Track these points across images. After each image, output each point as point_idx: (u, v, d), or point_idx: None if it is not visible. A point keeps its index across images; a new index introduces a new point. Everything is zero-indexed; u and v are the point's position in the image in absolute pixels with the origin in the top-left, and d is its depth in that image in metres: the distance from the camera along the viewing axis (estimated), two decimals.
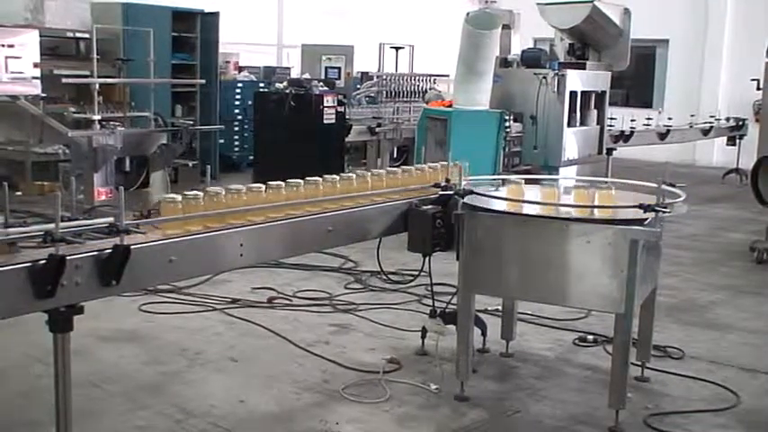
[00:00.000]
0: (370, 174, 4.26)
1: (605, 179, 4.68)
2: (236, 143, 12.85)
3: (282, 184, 3.74)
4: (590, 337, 5.30)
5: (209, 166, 3.95)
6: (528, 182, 4.69)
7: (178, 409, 4.12)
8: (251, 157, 11.70)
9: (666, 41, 16.75)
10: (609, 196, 4.25)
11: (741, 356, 5.17)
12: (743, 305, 6.43)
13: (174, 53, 11.23)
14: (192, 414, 4.07)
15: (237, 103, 12.76)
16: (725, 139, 13.76)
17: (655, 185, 3.96)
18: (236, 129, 12.80)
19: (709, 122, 13.14)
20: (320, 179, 3.94)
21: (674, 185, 4.27)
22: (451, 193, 4.26)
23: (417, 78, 11.80)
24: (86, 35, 9.69)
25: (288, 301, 6.00)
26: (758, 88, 8.48)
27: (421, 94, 11.38)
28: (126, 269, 2.93)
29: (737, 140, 13.44)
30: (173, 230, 3.26)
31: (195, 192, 3.38)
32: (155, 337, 5.18)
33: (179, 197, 3.32)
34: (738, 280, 7.23)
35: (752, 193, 8.04)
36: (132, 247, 2.96)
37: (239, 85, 12.89)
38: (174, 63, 11.24)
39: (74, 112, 9.05)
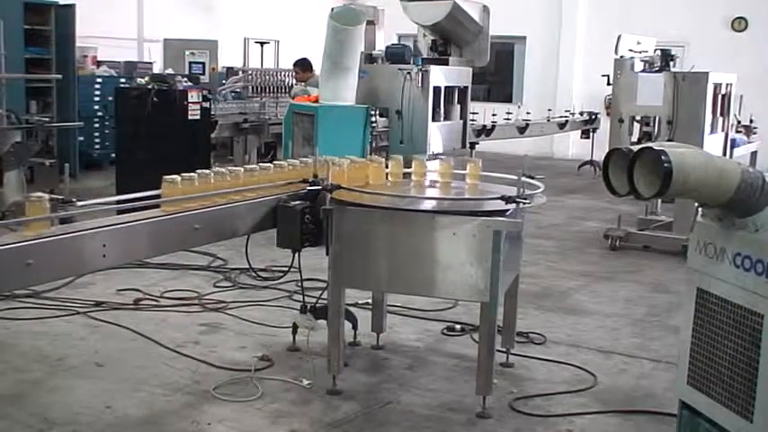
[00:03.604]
0: (242, 170, 4.22)
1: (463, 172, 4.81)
2: (97, 140, 12.42)
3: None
4: (457, 327, 5.45)
5: (67, 165, 3.82)
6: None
7: (40, 418, 3.96)
8: (113, 155, 11.33)
9: (524, 38, 17.36)
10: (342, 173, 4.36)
11: (597, 339, 5.46)
12: (599, 290, 6.77)
13: (27, 47, 10.70)
14: (55, 423, 3.92)
15: (97, 99, 12.32)
16: (579, 132, 14.40)
17: (515, 178, 4.11)
18: (97, 125, 12.37)
19: (565, 116, 13.70)
20: (195, 175, 3.85)
21: (533, 177, 4.45)
22: (319, 188, 4.28)
23: (283, 74, 11.74)
24: None
25: (155, 302, 5.85)
26: (608, 83, 8.92)
27: (287, 90, 11.34)
28: None
29: (591, 133, 14.08)
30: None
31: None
32: (13, 344, 4.95)
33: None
34: (594, 266, 7.61)
35: (604, 183, 8.44)
36: None
37: (98, 80, 12.45)
38: (28, 57, 10.69)
39: None
